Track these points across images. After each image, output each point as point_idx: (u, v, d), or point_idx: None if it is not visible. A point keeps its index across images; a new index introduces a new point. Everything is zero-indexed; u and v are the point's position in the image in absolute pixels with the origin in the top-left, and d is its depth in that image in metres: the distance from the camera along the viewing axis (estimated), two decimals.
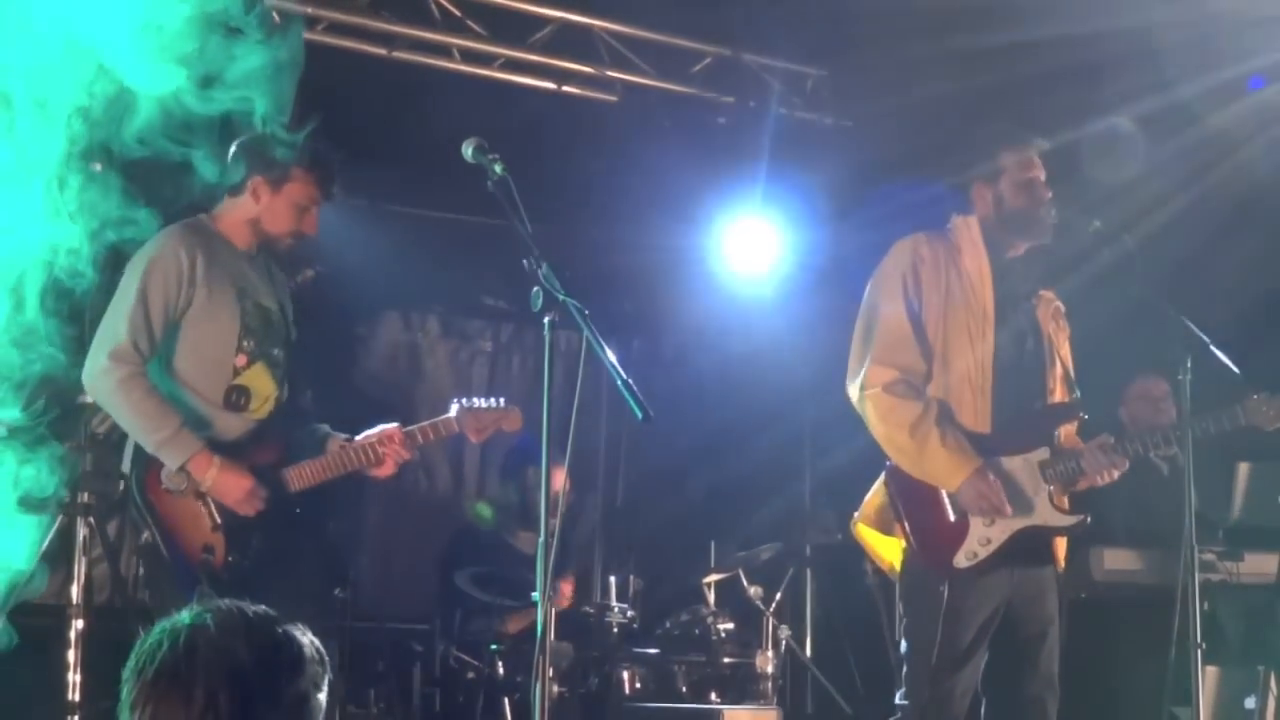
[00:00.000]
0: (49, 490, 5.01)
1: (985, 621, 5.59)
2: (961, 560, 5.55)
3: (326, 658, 2.67)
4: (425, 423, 5.79)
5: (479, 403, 5.88)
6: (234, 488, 5.57)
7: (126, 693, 2.57)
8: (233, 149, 5.74)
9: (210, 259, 5.63)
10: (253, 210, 5.74)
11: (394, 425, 5.79)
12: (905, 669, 5.63)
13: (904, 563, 5.68)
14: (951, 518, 5.59)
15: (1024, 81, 8.26)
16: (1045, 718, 5.68)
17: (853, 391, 5.67)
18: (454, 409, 5.86)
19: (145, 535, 5.61)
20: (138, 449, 5.58)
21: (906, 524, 5.62)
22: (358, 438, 5.81)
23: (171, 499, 5.58)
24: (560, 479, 4.95)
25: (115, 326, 5.52)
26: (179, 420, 5.53)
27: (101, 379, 5.50)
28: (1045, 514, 5.70)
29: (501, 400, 5.96)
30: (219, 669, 2.52)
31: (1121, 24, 7.78)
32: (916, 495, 5.62)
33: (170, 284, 5.55)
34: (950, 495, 5.60)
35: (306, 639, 2.64)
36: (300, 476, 5.75)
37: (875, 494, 5.77)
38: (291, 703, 2.56)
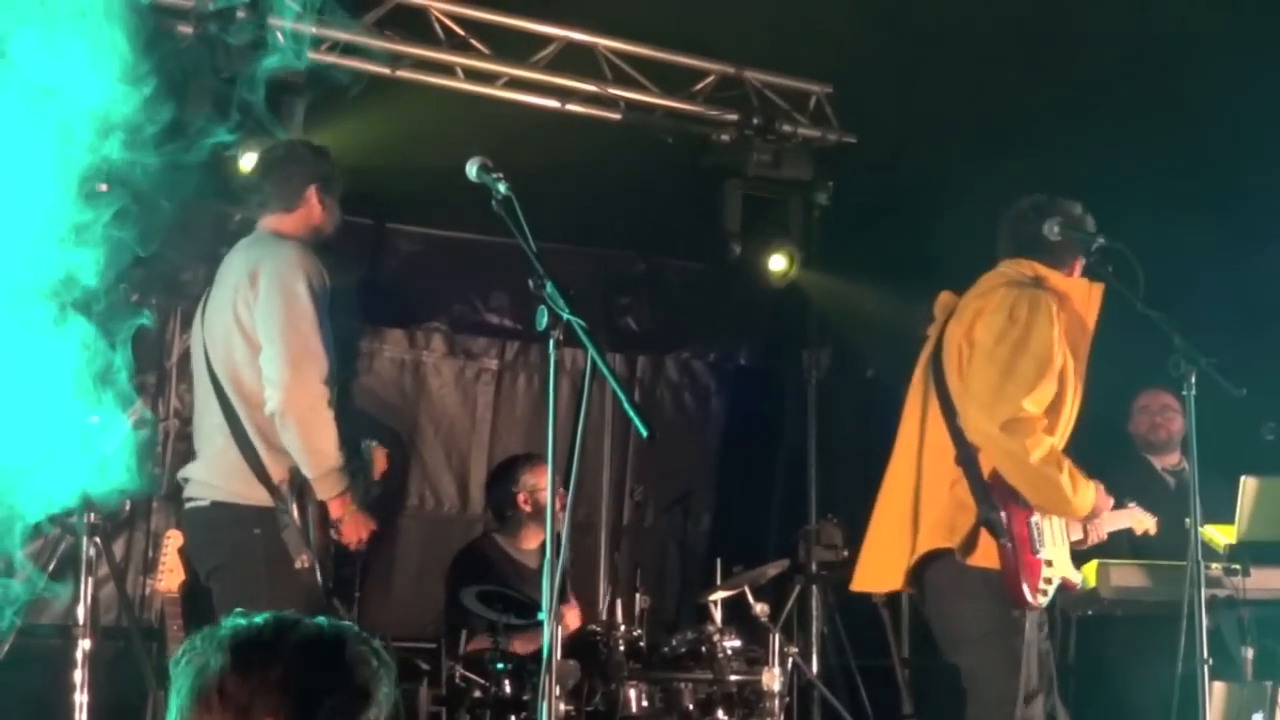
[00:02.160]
0: None
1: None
2: (1038, 597, 5.63)
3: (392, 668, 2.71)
4: None
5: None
6: (363, 525, 6.01)
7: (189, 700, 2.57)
8: (270, 165, 6.21)
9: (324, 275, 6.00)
10: (317, 216, 6.16)
11: None
12: (986, 699, 5.71)
13: (980, 587, 5.68)
14: (1036, 554, 5.65)
15: (1034, 94, 8.29)
16: None
17: (995, 420, 5.60)
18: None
19: (304, 559, 5.85)
20: (295, 478, 5.86)
21: (1010, 553, 5.63)
22: None
23: (319, 524, 5.94)
24: (561, 498, 4.94)
25: (311, 346, 5.83)
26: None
27: (313, 396, 5.80)
28: (1068, 568, 5.83)
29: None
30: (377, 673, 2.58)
31: (1131, 31, 7.80)
32: (1016, 530, 5.64)
33: (320, 308, 5.88)
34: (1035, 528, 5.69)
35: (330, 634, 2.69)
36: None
37: (963, 522, 5.74)
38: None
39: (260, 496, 5.88)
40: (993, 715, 5.68)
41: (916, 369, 6.08)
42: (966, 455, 5.68)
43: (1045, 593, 5.66)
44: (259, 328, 5.85)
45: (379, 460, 6.32)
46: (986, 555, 5.63)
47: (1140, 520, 6.54)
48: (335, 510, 5.92)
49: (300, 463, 5.86)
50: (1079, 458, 5.91)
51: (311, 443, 5.83)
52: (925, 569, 5.79)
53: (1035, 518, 5.68)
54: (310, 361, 5.80)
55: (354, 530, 5.97)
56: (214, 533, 6.04)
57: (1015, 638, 5.62)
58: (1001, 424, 5.54)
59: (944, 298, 6.14)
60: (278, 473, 5.88)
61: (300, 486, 5.87)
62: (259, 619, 2.64)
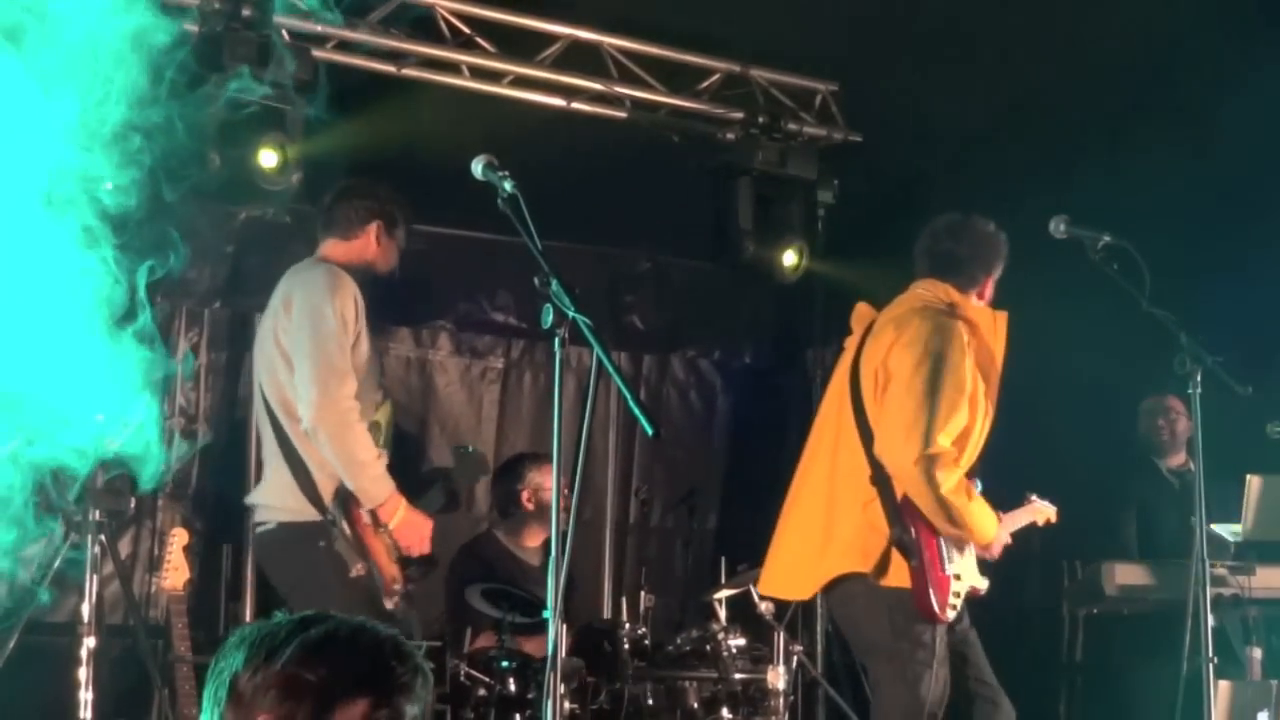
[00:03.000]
0: None
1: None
2: (948, 613, 5.78)
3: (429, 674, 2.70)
4: None
5: None
6: (418, 528, 6.18)
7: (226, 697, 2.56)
8: (341, 193, 6.44)
9: (359, 300, 6.16)
10: (371, 251, 6.37)
11: None
12: (890, 711, 5.88)
13: (893, 604, 5.79)
14: (944, 571, 5.79)
15: (1040, 92, 8.29)
16: None
17: (909, 453, 5.70)
18: None
19: (359, 567, 6.08)
20: (340, 491, 6.05)
21: (920, 572, 5.76)
22: None
23: (372, 534, 6.11)
24: (565, 499, 4.93)
25: (337, 363, 6.01)
26: (383, 460, 6.12)
27: (342, 415, 5.98)
28: (975, 577, 5.95)
29: None
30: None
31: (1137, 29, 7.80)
32: (926, 549, 5.77)
33: (350, 328, 6.06)
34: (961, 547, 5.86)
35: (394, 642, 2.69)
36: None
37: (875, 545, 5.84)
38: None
39: (315, 512, 6.11)
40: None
41: (833, 378, 6.19)
42: (881, 477, 5.82)
43: (954, 606, 5.82)
44: (291, 349, 6.09)
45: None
46: (898, 575, 5.78)
47: (1040, 511, 6.51)
48: (384, 516, 6.10)
49: (341, 475, 6.06)
50: (1084, 459, 5.94)
51: (345, 454, 6.01)
52: (836, 586, 5.93)
53: (943, 536, 5.84)
54: (335, 378, 5.98)
55: (408, 535, 6.16)
56: (283, 551, 6.27)
57: (922, 651, 5.76)
58: (915, 458, 5.66)
59: (861, 309, 6.25)
60: (327, 488, 6.09)
61: (345, 499, 6.08)
62: (325, 618, 2.64)
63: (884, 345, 5.87)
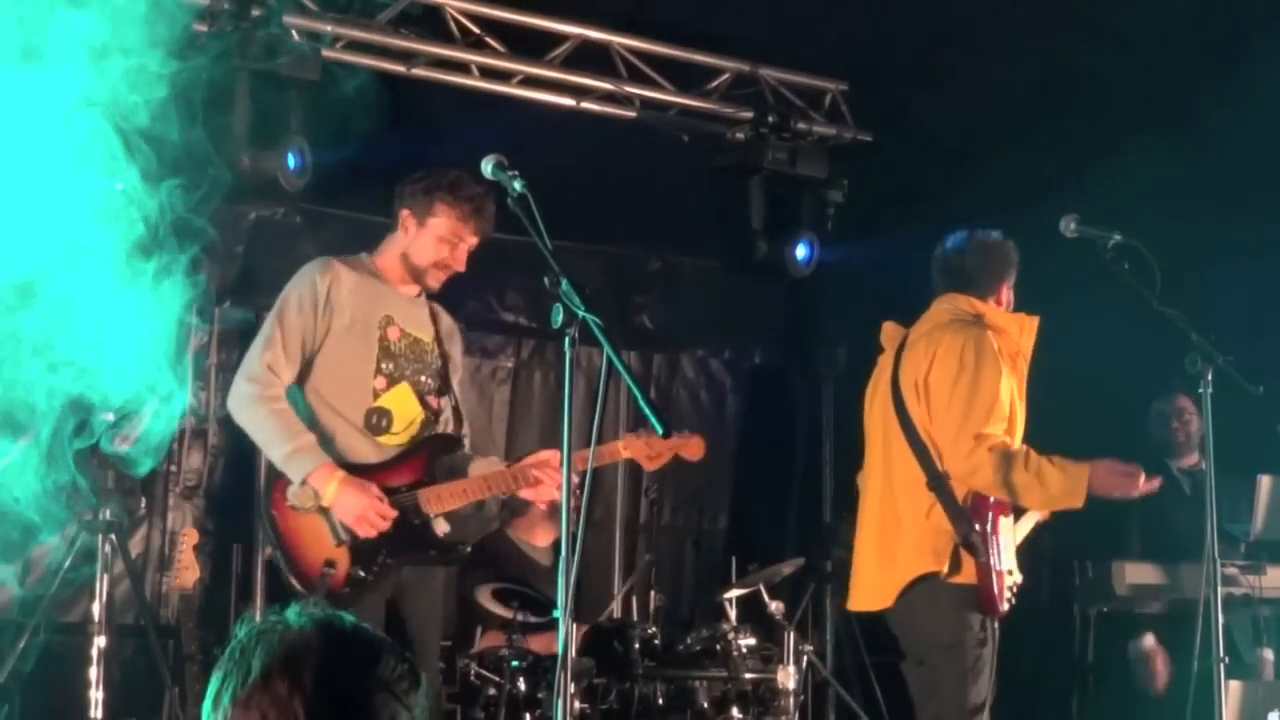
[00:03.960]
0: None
1: None
2: (1003, 605, 5.99)
3: (421, 678, 2.65)
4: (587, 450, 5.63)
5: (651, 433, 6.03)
6: (352, 505, 5.69)
7: (229, 698, 2.55)
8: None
9: (353, 287, 5.87)
10: (402, 243, 5.97)
11: (552, 451, 5.90)
12: (946, 706, 6.00)
13: (964, 600, 5.97)
14: (1001, 567, 5.96)
15: (1048, 91, 8.28)
16: None
17: (961, 454, 5.90)
18: (627, 436, 6.17)
19: (268, 550, 5.83)
20: (269, 467, 5.84)
21: (986, 568, 5.94)
22: (521, 463, 6.02)
23: (294, 515, 5.76)
24: (575, 498, 4.92)
25: (254, 352, 5.80)
26: (307, 437, 5.73)
27: (236, 399, 5.77)
28: (1018, 573, 6.11)
29: (685, 432, 6.26)
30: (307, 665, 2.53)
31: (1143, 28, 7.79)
32: (991, 546, 5.96)
33: (306, 310, 5.79)
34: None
35: (389, 645, 2.65)
36: (438, 498, 5.89)
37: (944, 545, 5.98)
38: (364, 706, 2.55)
39: None
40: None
41: (874, 398, 6.33)
42: (938, 482, 5.99)
43: (1010, 600, 6.01)
44: None
45: None
46: (967, 573, 5.97)
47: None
48: (320, 487, 5.68)
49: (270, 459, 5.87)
50: (1094, 457, 5.96)
51: (250, 434, 5.84)
52: (912, 589, 6.05)
53: (998, 533, 6.00)
54: (248, 361, 5.82)
55: (344, 514, 5.70)
56: None
57: (984, 647, 5.98)
58: (965, 455, 5.90)
59: (889, 328, 6.42)
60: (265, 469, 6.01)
61: (270, 478, 5.88)
62: (348, 616, 2.63)
63: (920, 360, 6.07)
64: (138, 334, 4.40)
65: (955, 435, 5.91)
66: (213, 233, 4.84)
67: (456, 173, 5.88)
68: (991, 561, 5.92)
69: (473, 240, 5.97)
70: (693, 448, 6.23)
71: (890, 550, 6.10)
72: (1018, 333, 6.12)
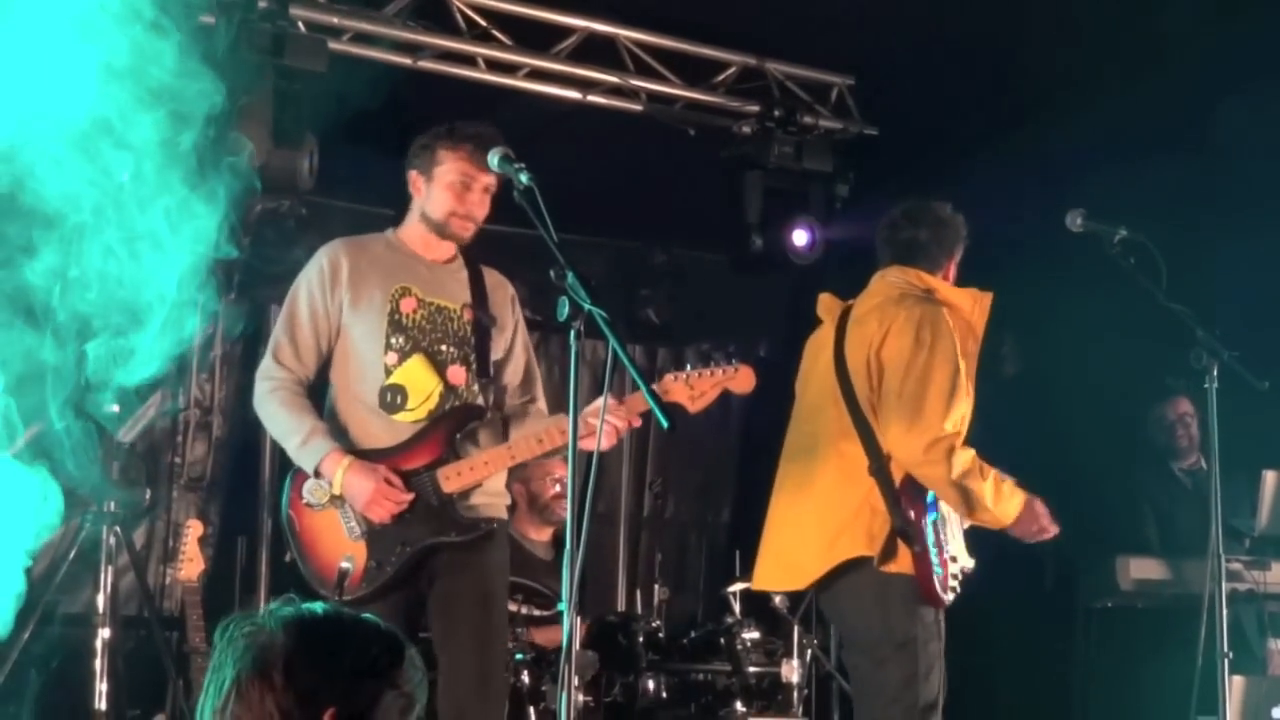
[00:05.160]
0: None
1: None
2: (948, 595, 5.71)
3: (406, 654, 2.65)
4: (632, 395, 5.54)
5: (695, 370, 5.80)
6: (360, 490, 5.51)
7: (209, 710, 2.57)
8: None
9: (364, 263, 5.71)
10: (418, 204, 5.80)
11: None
12: (892, 706, 5.70)
13: (901, 591, 5.69)
14: (944, 553, 5.71)
15: (1054, 86, 8.27)
16: None
17: (917, 443, 5.63)
18: (667, 378, 5.79)
19: (288, 555, 5.65)
20: (275, 460, 5.80)
21: (924, 557, 5.67)
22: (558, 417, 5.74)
23: (311, 514, 5.61)
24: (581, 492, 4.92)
25: (267, 348, 5.70)
26: (314, 425, 5.57)
27: (255, 400, 5.67)
28: (966, 557, 5.87)
29: (733, 363, 5.90)
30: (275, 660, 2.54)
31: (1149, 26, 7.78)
32: (924, 533, 5.69)
33: (315, 295, 5.67)
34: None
35: (389, 632, 2.65)
36: (458, 475, 5.65)
37: (879, 530, 5.75)
38: (352, 694, 2.56)
39: None
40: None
41: (812, 371, 6.12)
42: (879, 466, 5.72)
43: (955, 589, 5.74)
44: None
45: None
46: (902, 562, 5.68)
47: None
48: (329, 475, 5.56)
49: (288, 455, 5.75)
50: (1098, 452, 5.93)
51: (272, 433, 5.77)
52: (840, 575, 5.79)
53: (933, 517, 5.73)
54: (268, 351, 5.70)
55: (354, 499, 5.54)
56: None
57: (934, 643, 5.69)
58: (924, 446, 5.59)
59: (826, 300, 6.21)
60: None
61: (291, 476, 5.73)
62: (319, 607, 2.64)
63: (870, 336, 5.82)
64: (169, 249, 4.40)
65: (909, 418, 5.61)
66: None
67: (452, 122, 5.77)
68: (929, 550, 5.65)
69: (486, 179, 5.70)
70: (742, 379, 5.87)
71: (818, 530, 5.80)
72: (970, 308, 5.88)
